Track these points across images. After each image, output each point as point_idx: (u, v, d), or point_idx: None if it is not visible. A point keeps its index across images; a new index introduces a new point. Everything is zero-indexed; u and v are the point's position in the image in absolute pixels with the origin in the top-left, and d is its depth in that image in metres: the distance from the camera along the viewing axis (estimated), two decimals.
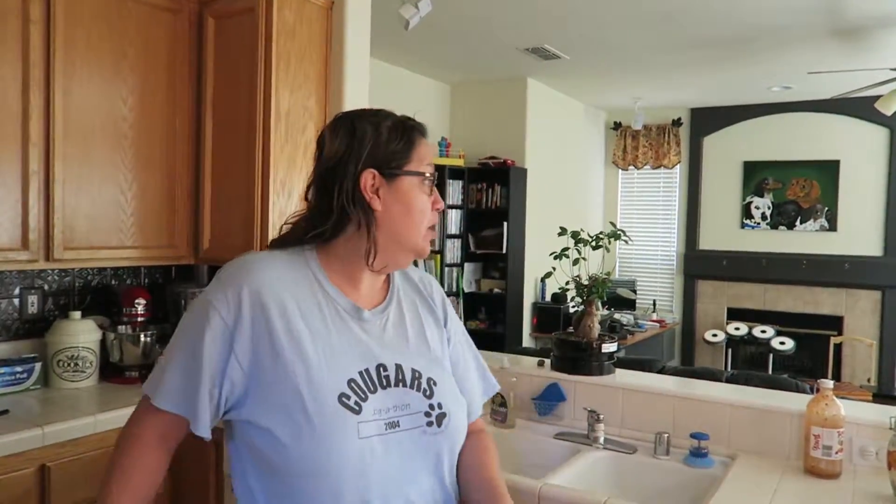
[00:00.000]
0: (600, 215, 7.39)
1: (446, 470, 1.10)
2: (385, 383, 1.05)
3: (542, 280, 6.03)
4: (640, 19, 4.16)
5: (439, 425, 1.07)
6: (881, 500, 1.59)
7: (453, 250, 5.67)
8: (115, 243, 2.37)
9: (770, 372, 5.91)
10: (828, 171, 6.26)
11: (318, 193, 1.10)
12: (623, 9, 3.97)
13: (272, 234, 2.44)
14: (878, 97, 4.46)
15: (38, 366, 2.30)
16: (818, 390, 1.78)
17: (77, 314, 2.42)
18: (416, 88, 5.82)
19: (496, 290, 5.77)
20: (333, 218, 1.07)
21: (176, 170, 2.54)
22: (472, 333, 5.22)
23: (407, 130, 1.10)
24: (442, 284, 5.49)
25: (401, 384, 1.06)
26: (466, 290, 5.72)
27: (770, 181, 6.52)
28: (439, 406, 1.08)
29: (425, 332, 1.16)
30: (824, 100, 5.93)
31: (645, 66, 5.30)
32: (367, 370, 1.04)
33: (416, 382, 1.08)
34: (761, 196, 6.55)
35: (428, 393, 1.08)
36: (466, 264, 5.78)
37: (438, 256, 5.52)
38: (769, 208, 6.52)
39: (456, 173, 5.67)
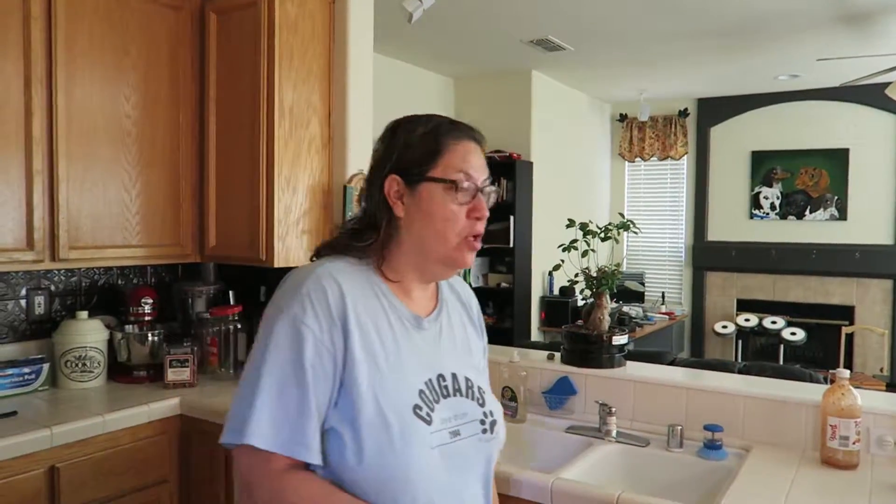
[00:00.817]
0: (607, 208, 7.35)
1: (490, 476, 1.11)
2: (445, 393, 1.05)
3: (550, 274, 6.00)
4: (644, 9, 4.11)
5: (492, 432, 1.09)
6: None
7: None
8: (121, 242, 2.35)
9: (781, 363, 5.86)
10: (837, 160, 6.20)
11: (363, 198, 1.12)
12: None
13: (278, 230, 2.42)
14: (888, 84, 4.41)
15: (45, 366, 2.29)
16: (833, 380, 1.75)
17: (84, 314, 2.41)
18: (420, 82, 5.79)
19: (503, 284, 5.74)
20: (366, 222, 1.08)
21: (180, 167, 2.53)
22: None
23: (439, 135, 1.07)
24: None
25: (458, 393, 1.07)
26: (474, 285, 5.70)
27: (778, 171, 6.46)
28: (491, 414, 1.10)
29: (469, 342, 1.18)
30: (832, 87, 5.87)
31: (650, 56, 5.25)
32: (430, 380, 1.04)
33: (470, 391, 1.09)
34: (770, 186, 6.50)
35: (481, 402, 1.10)
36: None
37: None
38: (778, 198, 6.46)
39: None
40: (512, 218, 5.59)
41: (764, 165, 6.52)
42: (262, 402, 0.94)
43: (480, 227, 1.07)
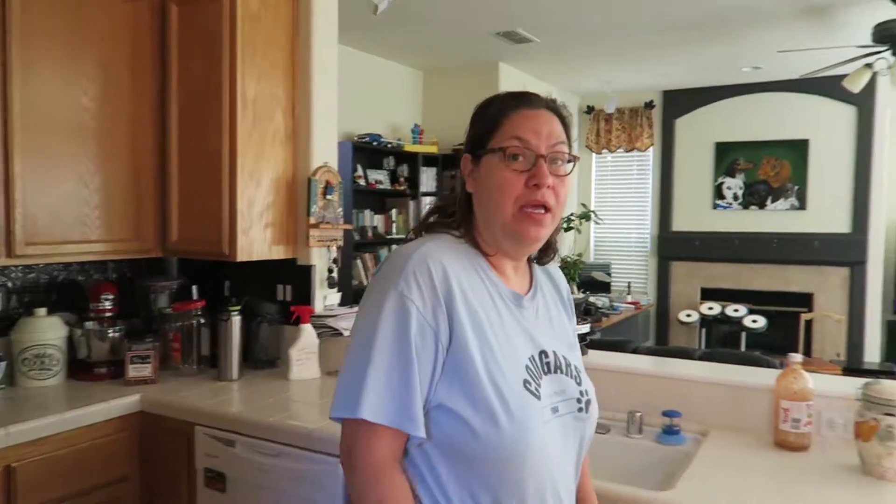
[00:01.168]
0: (575, 199, 7.41)
1: (582, 454, 1.12)
2: (546, 369, 1.06)
3: None
4: (611, 1, 4.15)
5: (587, 411, 1.09)
6: (848, 471, 1.62)
7: None
8: (79, 237, 2.31)
9: (743, 350, 5.99)
10: (798, 151, 6.34)
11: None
12: None
13: (241, 224, 2.40)
14: (845, 75, 4.52)
15: (2, 365, 2.24)
16: (787, 365, 1.80)
17: (42, 311, 2.36)
18: (389, 75, 5.77)
19: None
20: (453, 201, 1.12)
21: (141, 161, 2.49)
22: None
23: (499, 107, 1.08)
24: None
25: (558, 371, 1.08)
26: None
27: (741, 161, 6.58)
28: (586, 392, 1.11)
29: (564, 321, 1.19)
30: (793, 79, 5.99)
31: (616, 48, 5.31)
32: (533, 357, 1.05)
33: (568, 369, 1.10)
34: (733, 176, 6.62)
35: (578, 380, 1.10)
36: None
37: None
38: (741, 189, 6.59)
39: (430, 160, 5.65)
40: None
41: (727, 156, 6.64)
42: (374, 378, 0.95)
43: (541, 195, 1.03)
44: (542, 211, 1.04)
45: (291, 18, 2.61)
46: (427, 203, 5.64)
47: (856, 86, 4.48)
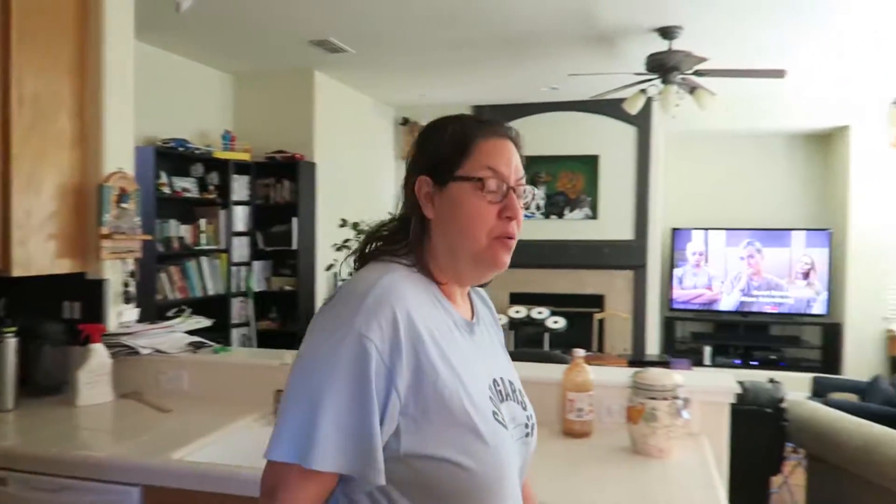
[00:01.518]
0: (392, 209, 7.54)
1: (523, 478, 1.11)
2: (501, 397, 1.04)
3: (333, 273, 6.02)
4: (422, 17, 4.31)
5: (532, 435, 1.10)
6: (622, 452, 1.83)
7: (241, 248, 5.45)
8: None
9: (547, 349, 6.48)
10: (590, 165, 7.01)
11: (399, 203, 1.12)
12: (399, 5, 4.09)
13: (18, 234, 2.16)
14: (626, 98, 5.08)
15: None
16: (573, 360, 2.00)
17: None
18: (196, 78, 5.49)
19: (287, 287, 5.63)
20: (398, 226, 1.08)
21: None
22: (264, 334, 5.08)
23: (468, 133, 1.04)
24: (228, 285, 5.27)
25: (508, 398, 1.06)
26: (256, 290, 5.52)
27: (543, 174, 7.13)
28: (531, 417, 1.11)
29: (501, 343, 1.19)
30: (585, 100, 6.59)
31: (427, 62, 5.51)
32: (490, 385, 1.02)
33: (515, 395, 1.09)
34: (536, 188, 7.15)
35: (524, 406, 1.10)
36: (255, 262, 5.57)
37: (225, 255, 5.27)
38: (543, 199, 7.14)
39: (242, 168, 5.46)
40: (295, 220, 5.52)
41: (530, 169, 7.00)
42: (328, 422, 0.88)
43: (512, 227, 1.04)
44: (510, 239, 1.06)
45: (80, 12, 2.41)
46: (240, 212, 5.44)
47: (634, 108, 5.06)
